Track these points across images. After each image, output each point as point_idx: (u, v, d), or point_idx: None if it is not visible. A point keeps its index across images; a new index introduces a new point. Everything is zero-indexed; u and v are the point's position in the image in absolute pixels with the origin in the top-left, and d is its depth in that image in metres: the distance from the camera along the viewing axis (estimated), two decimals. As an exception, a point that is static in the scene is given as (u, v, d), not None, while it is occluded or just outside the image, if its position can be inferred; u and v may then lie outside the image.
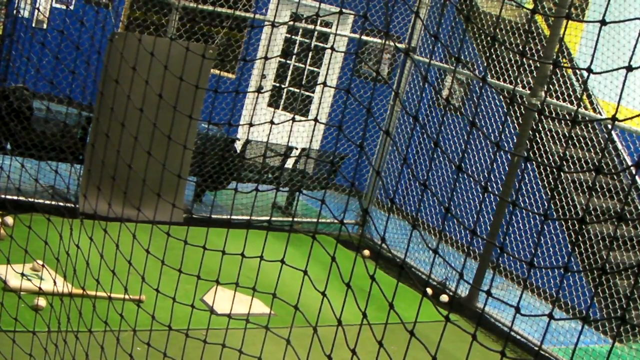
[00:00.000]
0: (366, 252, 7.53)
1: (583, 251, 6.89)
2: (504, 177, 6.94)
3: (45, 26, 8.65)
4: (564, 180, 7.29)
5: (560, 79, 7.72)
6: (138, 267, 3.03)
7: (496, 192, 6.95)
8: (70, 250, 3.43)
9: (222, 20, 8.27)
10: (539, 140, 7.51)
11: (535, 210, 7.21)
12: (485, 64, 8.13)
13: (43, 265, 4.51)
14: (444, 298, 6.74)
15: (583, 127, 7.79)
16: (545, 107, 6.92)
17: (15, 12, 7.11)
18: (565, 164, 7.54)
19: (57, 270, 4.59)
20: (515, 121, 7.53)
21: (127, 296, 3.31)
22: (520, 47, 8.05)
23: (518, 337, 6.21)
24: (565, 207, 7.21)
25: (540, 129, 7.55)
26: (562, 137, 7.76)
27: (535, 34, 8.19)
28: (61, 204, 6.16)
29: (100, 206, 4.60)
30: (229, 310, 3.11)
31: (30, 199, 5.82)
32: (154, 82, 3.34)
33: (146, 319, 3.17)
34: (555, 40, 6.44)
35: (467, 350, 1.95)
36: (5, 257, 4.01)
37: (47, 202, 6.27)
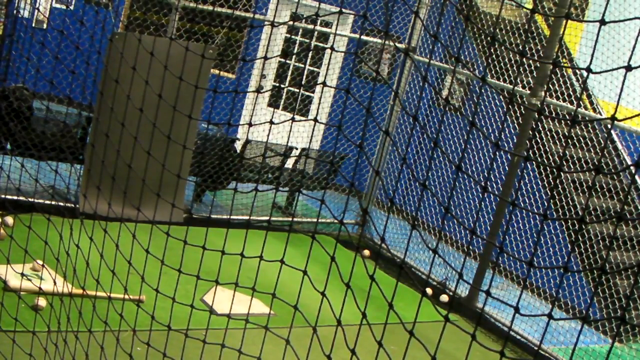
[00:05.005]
0: (366, 252, 7.53)
1: (583, 251, 6.89)
2: (504, 177, 6.94)
3: (45, 26, 8.65)
4: (563, 180, 7.29)
5: (560, 79, 7.72)
6: (138, 267, 3.03)
7: (496, 192, 6.94)
8: (70, 250, 3.43)
9: (222, 20, 8.27)
10: (539, 140, 7.51)
11: (535, 210, 7.21)
12: (485, 64, 8.13)
13: (43, 265, 4.51)
14: (444, 298, 6.74)
15: (583, 127, 7.79)
16: (545, 107, 6.92)
17: (15, 12, 7.11)
18: (565, 164, 7.53)
19: (57, 270, 4.59)
20: (515, 121, 7.52)
21: (127, 296, 3.31)
22: (520, 47, 8.05)
23: (518, 337, 6.21)
24: (565, 207, 7.21)
25: (540, 129, 7.55)
26: (562, 137, 7.76)
27: (535, 34, 8.19)
28: (61, 204, 6.16)
29: (100, 206, 4.60)
30: (229, 310, 3.11)
31: (30, 199, 5.82)
32: (153, 82, 3.34)
33: (146, 319, 3.17)
34: (555, 40, 6.44)
35: (467, 350, 1.95)
36: (5, 257, 4.01)
37: (47, 202, 6.27)
